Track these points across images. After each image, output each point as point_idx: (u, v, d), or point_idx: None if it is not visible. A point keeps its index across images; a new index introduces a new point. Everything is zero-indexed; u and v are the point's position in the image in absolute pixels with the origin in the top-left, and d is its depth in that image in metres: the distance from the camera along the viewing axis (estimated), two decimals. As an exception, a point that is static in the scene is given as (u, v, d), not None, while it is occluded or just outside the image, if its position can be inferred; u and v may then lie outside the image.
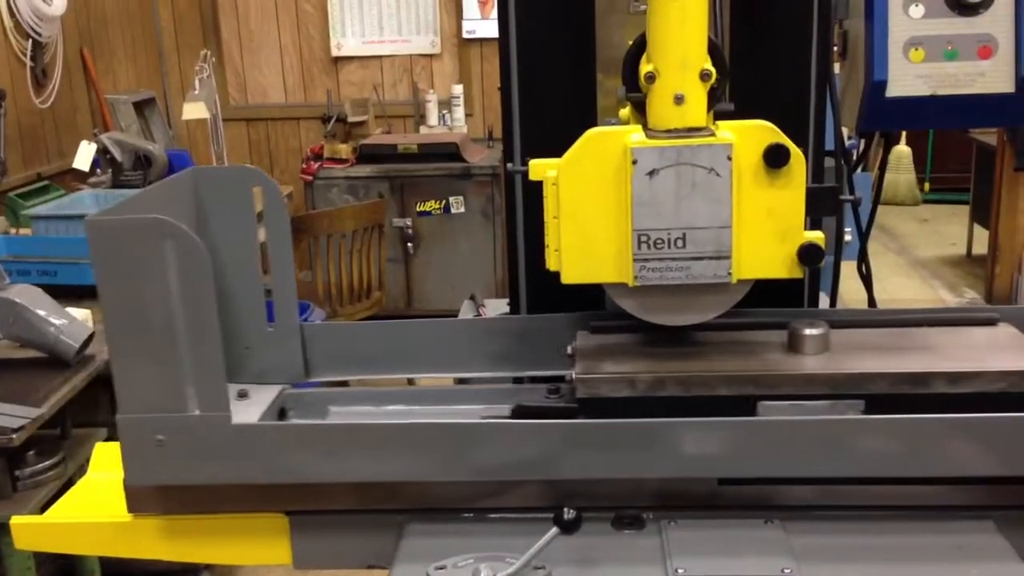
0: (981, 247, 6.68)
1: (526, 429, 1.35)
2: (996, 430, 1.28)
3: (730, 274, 1.35)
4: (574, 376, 1.42)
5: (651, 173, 1.32)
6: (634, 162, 1.31)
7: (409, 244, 5.77)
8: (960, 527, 1.32)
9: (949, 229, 7.87)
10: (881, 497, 1.35)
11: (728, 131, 1.33)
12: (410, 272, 5.85)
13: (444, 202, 5.71)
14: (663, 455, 1.31)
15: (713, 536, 1.32)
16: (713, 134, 1.32)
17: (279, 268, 1.63)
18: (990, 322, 1.56)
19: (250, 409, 1.57)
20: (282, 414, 1.63)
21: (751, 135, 1.32)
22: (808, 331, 1.45)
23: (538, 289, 1.76)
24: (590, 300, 1.57)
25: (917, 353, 1.46)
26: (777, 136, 1.31)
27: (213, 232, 1.62)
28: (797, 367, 1.42)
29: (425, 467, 1.35)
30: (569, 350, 1.51)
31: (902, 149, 8.36)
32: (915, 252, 7.48)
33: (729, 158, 1.31)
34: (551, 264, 1.39)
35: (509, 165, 1.67)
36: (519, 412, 1.46)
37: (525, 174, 1.41)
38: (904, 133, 7.94)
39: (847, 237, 2.13)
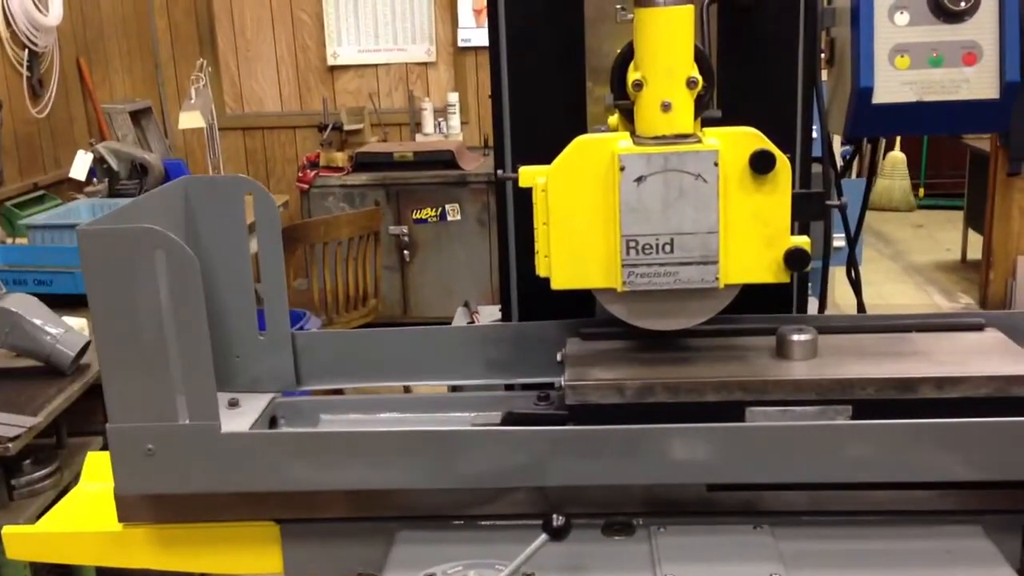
0: (975, 252, 6.69)
1: (513, 436, 1.35)
2: (981, 434, 1.29)
3: (717, 279, 1.36)
4: (563, 383, 1.42)
5: (639, 179, 1.33)
6: (622, 169, 1.32)
7: (405, 252, 5.78)
8: (949, 532, 1.33)
9: (944, 234, 7.88)
10: (870, 502, 1.35)
11: (714, 138, 1.34)
12: (406, 280, 5.85)
13: (440, 210, 5.72)
14: (651, 461, 1.31)
15: (702, 542, 1.33)
16: (700, 141, 1.34)
17: (270, 277, 1.64)
18: (977, 327, 1.56)
19: (241, 418, 1.57)
20: (273, 422, 1.63)
21: (737, 141, 1.33)
22: (796, 337, 1.46)
23: (529, 295, 1.77)
24: (580, 306, 1.57)
25: (904, 358, 1.46)
26: (763, 142, 1.32)
27: (205, 241, 1.62)
28: (785, 373, 1.43)
29: (414, 475, 1.35)
30: (559, 357, 1.52)
31: (897, 155, 8.37)
32: (910, 258, 7.48)
33: (715, 164, 1.32)
34: (541, 270, 1.40)
35: (499, 172, 1.68)
36: (509, 419, 1.46)
37: (515, 181, 1.42)
38: (898, 139, 7.97)
39: (839, 243, 2.13)
